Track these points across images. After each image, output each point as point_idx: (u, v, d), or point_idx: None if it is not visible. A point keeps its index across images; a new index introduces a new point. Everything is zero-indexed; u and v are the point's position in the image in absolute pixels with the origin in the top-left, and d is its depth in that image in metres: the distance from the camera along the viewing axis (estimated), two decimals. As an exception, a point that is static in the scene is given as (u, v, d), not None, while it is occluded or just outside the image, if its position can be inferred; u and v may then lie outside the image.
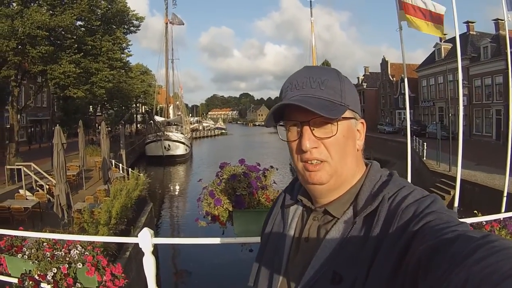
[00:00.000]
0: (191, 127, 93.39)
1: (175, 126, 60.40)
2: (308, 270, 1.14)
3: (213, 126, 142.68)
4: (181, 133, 56.55)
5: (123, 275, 4.74)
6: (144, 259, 3.69)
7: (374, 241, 1.04)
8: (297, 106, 1.12)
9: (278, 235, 1.35)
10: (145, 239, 3.56)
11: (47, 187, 20.76)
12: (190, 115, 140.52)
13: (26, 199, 18.49)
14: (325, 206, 1.22)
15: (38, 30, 22.33)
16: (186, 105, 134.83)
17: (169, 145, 49.29)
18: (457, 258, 0.74)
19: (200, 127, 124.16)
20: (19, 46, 23.30)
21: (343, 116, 1.16)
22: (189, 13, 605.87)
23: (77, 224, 11.86)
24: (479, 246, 0.74)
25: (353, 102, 1.21)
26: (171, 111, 74.25)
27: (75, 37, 26.53)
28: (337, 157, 1.17)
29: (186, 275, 16.12)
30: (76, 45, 26.25)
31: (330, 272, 1.08)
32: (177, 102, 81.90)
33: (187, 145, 54.46)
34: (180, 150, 51.54)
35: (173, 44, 70.88)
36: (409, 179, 10.94)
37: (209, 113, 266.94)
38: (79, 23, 27.68)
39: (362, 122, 1.26)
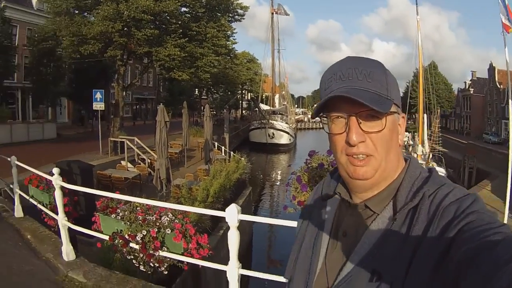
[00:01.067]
0: (296, 117, 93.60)
1: (280, 115, 61.07)
2: (347, 265, 1.13)
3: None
4: (286, 123, 57.12)
5: (208, 245, 4.86)
6: (229, 233, 4.01)
7: (414, 239, 1.01)
8: (344, 97, 1.08)
9: (315, 229, 1.33)
10: (232, 214, 3.92)
11: (149, 161, 21.64)
12: (296, 106, 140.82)
13: (128, 170, 19.36)
14: (365, 201, 1.20)
15: (143, 14, 23.22)
16: (292, 95, 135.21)
17: (273, 133, 50.03)
18: (499, 261, 0.73)
19: (306, 119, 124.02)
20: (125, 28, 24.38)
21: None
22: (297, 4, 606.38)
23: (174, 198, 12.31)
24: None
25: (397, 96, 1.18)
26: (276, 101, 75.13)
27: (179, 22, 27.34)
28: (383, 152, 1.14)
29: (275, 258, 16.45)
30: (181, 30, 27.05)
31: (369, 269, 1.06)
32: (283, 92, 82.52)
33: (291, 135, 54.85)
34: (284, 139, 52.08)
35: (280, 35, 72.07)
36: (508, 194, 10.46)
37: (315, 105, 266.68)
38: (183, 9, 28.53)
39: (403, 117, 1.23)
